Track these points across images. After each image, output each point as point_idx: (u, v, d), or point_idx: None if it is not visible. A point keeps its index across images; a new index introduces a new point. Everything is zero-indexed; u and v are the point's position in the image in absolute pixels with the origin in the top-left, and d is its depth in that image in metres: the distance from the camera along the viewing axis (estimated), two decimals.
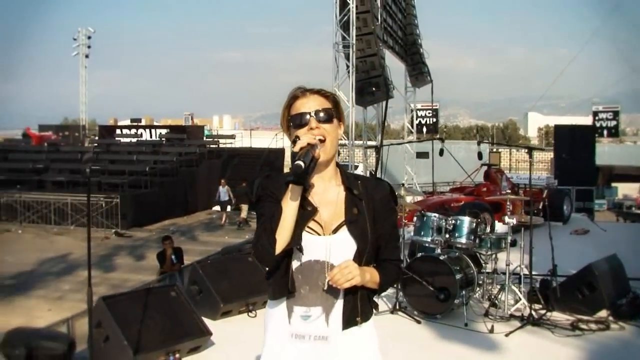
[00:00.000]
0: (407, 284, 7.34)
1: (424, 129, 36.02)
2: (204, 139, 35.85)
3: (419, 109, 32.47)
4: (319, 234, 2.63)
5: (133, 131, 36.74)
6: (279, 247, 2.54)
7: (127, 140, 35.14)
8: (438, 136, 28.81)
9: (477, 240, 7.67)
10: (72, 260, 19.08)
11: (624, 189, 36.07)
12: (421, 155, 26.06)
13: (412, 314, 7.29)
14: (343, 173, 2.77)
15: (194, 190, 29.45)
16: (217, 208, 29.09)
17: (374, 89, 17.98)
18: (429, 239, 7.74)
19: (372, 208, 2.69)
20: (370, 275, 2.63)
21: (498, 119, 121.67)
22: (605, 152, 36.75)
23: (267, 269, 2.72)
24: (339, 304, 2.64)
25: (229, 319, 7.30)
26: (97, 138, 38.28)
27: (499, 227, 9.37)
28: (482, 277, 7.82)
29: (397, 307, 7.39)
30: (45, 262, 18.61)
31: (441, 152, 14.09)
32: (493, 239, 7.66)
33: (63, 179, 28.10)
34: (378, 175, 22.40)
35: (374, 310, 2.80)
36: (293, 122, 2.67)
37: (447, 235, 7.63)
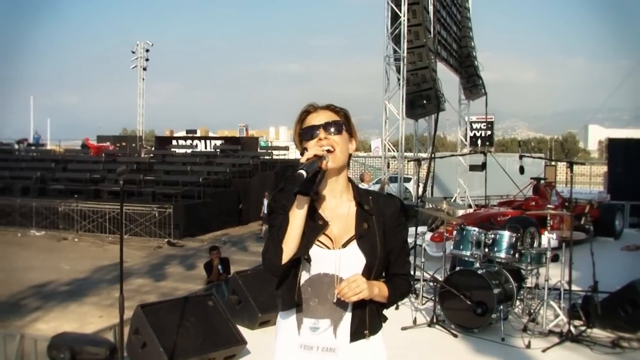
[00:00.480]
0: (444, 297, 7.36)
1: (479, 142, 35.62)
2: (258, 150, 36.18)
3: (474, 122, 32.17)
4: (329, 248, 2.67)
5: (188, 142, 37.33)
6: (286, 256, 2.60)
7: (182, 151, 35.69)
8: (480, 149, 28.64)
9: (517, 255, 7.62)
10: (125, 268, 19.38)
11: None
12: (474, 168, 25.86)
13: (449, 327, 7.30)
14: (355, 188, 2.82)
15: (247, 201, 29.67)
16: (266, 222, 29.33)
17: (424, 101, 18.04)
18: (468, 253, 7.75)
19: (382, 223, 2.74)
20: (378, 290, 2.69)
21: (557, 131, 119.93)
22: None
23: (277, 279, 2.76)
24: (347, 317, 2.68)
25: (267, 328, 7.40)
26: (152, 149, 38.94)
27: (547, 242, 9.32)
28: (522, 292, 7.79)
29: (435, 320, 7.42)
30: (98, 270, 18.99)
31: (484, 166, 14.04)
32: (533, 254, 7.62)
33: (118, 189, 28.54)
34: (428, 187, 22.42)
35: (383, 324, 2.83)
36: (304, 135, 2.74)
37: (487, 250, 7.61)
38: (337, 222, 2.71)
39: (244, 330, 7.35)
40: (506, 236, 7.57)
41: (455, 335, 7.14)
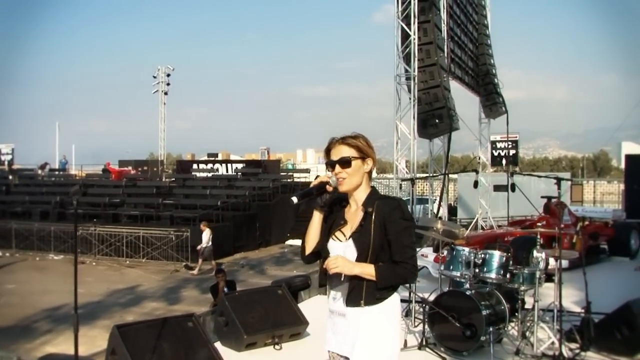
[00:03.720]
0: (434, 319, 7.28)
1: (503, 161, 35.08)
2: (280, 173, 36.26)
3: (498, 141, 31.97)
4: (341, 241, 3.68)
5: (209, 166, 37.54)
6: (307, 249, 3.79)
7: (204, 175, 35.91)
8: (505, 169, 28.46)
9: (509, 275, 7.52)
10: (140, 292, 19.59)
11: None
12: (499, 188, 25.56)
13: (439, 350, 7.21)
14: (369, 196, 3.73)
15: (267, 224, 29.75)
16: (291, 242, 29.39)
17: (437, 120, 17.93)
18: (458, 273, 7.64)
19: (380, 220, 3.60)
20: (360, 269, 3.56)
21: (589, 149, 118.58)
22: None
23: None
24: (346, 289, 3.63)
25: (254, 351, 7.40)
26: (171, 172, 39.22)
27: (553, 262, 9.20)
28: (518, 314, 7.66)
29: (424, 342, 7.33)
30: (113, 294, 19.15)
31: (475, 184, 14.02)
32: (525, 274, 7.48)
33: (137, 213, 28.88)
34: (442, 207, 22.35)
35: (383, 299, 3.63)
36: (326, 165, 3.80)
37: (477, 270, 7.51)
38: (351, 222, 3.70)
39: (230, 352, 7.37)
40: (496, 256, 7.44)
41: (444, 359, 7.06)
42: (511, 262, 7.60)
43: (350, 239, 3.64)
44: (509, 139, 30.48)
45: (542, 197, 13.99)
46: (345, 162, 3.68)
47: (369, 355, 3.58)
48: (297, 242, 29.00)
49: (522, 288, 7.54)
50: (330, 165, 3.73)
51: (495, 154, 31.63)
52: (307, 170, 37.03)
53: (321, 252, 3.75)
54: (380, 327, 3.61)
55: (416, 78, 17.80)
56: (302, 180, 35.12)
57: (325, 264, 3.56)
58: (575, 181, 44.99)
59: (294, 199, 3.66)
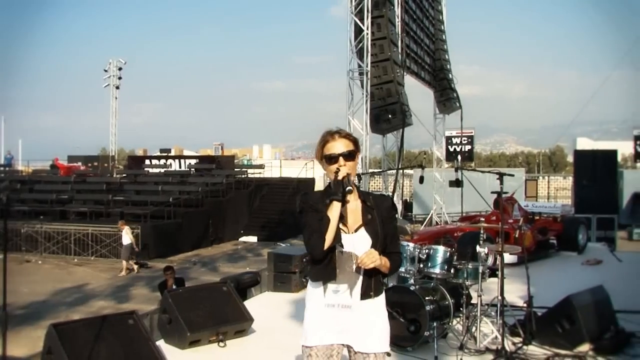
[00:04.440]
0: None
1: (459, 157, 35.29)
2: (234, 169, 36.11)
3: (453, 136, 32.26)
4: (346, 233, 3.81)
5: (162, 161, 37.27)
6: (327, 243, 3.71)
7: (156, 170, 35.65)
8: (456, 165, 28.74)
9: (453, 271, 7.64)
10: (87, 290, 19.37)
11: None
12: (453, 183, 25.84)
13: None
14: (360, 191, 3.96)
15: (220, 221, 29.63)
16: (244, 238, 29.40)
17: (390, 116, 18.07)
18: (402, 269, 7.71)
19: (380, 214, 3.88)
20: (384, 262, 3.78)
21: (546, 145, 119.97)
22: None
23: (305, 259, 4.66)
24: (359, 282, 3.78)
25: (198, 348, 7.41)
26: (123, 168, 38.86)
27: (506, 258, 9.33)
28: (463, 309, 7.75)
29: None
30: (60, 293, 18.88)
31: (421, 180, 14.13)
32: (470, 269, 7.60)
33: (86, 210, 28.57)
34: (408, 204, 22.52)
35: (384, 289, 3.97)
36: (327, 158, 3.88)
37: (421, 265, 7.62)
38: (350, 215, 3.85)
39: (173, 350, 7.37)
40: (440, 251, 7.54)
41: (389, 354, 7.13)
42: (456, 258, 7.73)
43: (361, 229, 3.83)
44: (464, 134, 30.74)
45: (492, 192, 14.19)
46: (350, 155, 3.87)
47: (381, 342, 3.85)
48: (251, 238, 29.06)
49: (467, 283, 7.65)
50: (332, 158, 3.86)
51: (451, 149, 31.91)
52: (261, 166, 36.92)
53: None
54: (385, 315, 3.91)
55: (369, 73, 17.90)
56: (257, 176, 35.08)
57: (360, 260, 3.66)
58: (531, 177, 45.60)
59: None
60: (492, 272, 8.39)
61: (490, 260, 8.37)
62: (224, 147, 51.47)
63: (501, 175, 7.82)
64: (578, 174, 22.41)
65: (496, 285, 7.51)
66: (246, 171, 35.40)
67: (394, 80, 18.03)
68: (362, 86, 18.02)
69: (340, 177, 3.78)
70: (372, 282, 3.81)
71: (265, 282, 12.09)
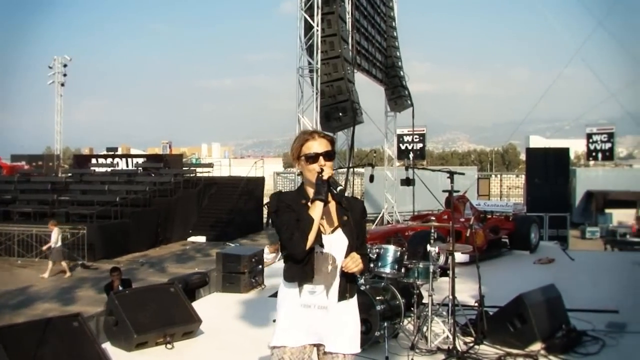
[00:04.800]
0: None
1: (410, 155, 35.17)
2: (183, 168, 35.88)
3: (405, 134, 32.43)
4: (323, 233, 3.85)
5: (109, 160, 36.89)
6: (309, 244, 3.74)
7: (102, 170, 35.25)
8: (407, 164, 28.98)
9: (404, 270, 7.67)
10: (31, 292, 19.11)
11: (619, 216, 35.38)
12: (405, 182, 25.93)
13: None
14: (332, 192, 3.92)
15: (168, 220, 29.44)
16: (193, 239, 29.25)
17: (340, 114, 18.07)
18: None
19: (353, 217, 3.96)
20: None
21: (499, 143, 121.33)
22: (600, 177, 36.46)
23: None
24: (336, 284, 3.85)
25: (144, 350, 7.35)
26: (68, 168, 38.35)
27: (457, 257, 9.40)
28: (414, 309, 7.78)
29: None
30: (2, 295, 18.58)
31: (371, 179, 14.22)
32: (420, 268, 7.64)
33: (30, 210, 28.17)
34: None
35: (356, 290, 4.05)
36: (307, 157, 3.90)
37: (371, 265, 7.64)
38: (326, 216, 3.90)
39: (120, 352, 7.30)
40: (391, 251, 7.53)
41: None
42: (407, 257, 7.77)
43: (338, 230, 3.90)
44: (416, 132, 30.89)
45: (444, 191, 14.33)
46: (329, 155, 3.93)
47: (351, 343, 3.97)
48: (199, 238, 28.91)
49: (418, 282, 7.68)
50: (312, 157, 3.89)
51: (402, 147, 32.10)
52: (210, 165, 36.72)
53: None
54: (357, 317, 4.05)
55: (319, 70, 17.91)
56: (206, 175, 34.91)
57: (345, 265, 3.77)
58: (483, 175, 46.11)
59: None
60: (444, 272, 8.47)
61: (441, 260, 8.44)
62: (172, 146, 51.25)
63: (452, 174, 7.90)
64: (530, 173, 22.79)
65: (447, 284, 7.57)
66: (195, 170, 35.16)
67: (345, 78, 18.03)
68: (312, 84, 18.02)
69: (325, 177, 3.81)
70: (347, 284, 3.89)
71: (213, 283, 12.05)
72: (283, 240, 3.85)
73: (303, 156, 3.93)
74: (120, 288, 13.60)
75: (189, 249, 27.46)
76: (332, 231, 3.90)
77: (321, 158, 3.88)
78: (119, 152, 43.03)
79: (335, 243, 3.86)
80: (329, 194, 3.87)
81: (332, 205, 3.95)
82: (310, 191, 3.89)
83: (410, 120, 28.27)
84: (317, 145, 3.91)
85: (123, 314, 7.35)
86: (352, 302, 4.00)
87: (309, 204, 3.83)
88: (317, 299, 3.84)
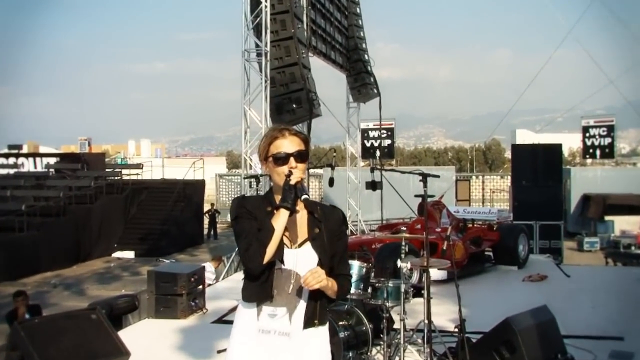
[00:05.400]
0: None
1: (377, 153, 34.64)
2: (105, 169, 35.56)
3: (370, 129, 32.48)
4: (288, 247, 3.84)
5: (11, 160, 36.37)
6: (267, 257, 3.70)
7: (4, 171, 34.77)
8: (374, 164, 29.06)
9: (371, 290, 7.69)
10: None
11: (622, 224, 35.01)
12: (371, 185, 25.66)
13: None
14: (307, 200, 3.87)
15: (88, 233, 29.06)
16: (118, 254, 29.04)
17: (294, 105, 18.05)
18: None
19: (328, 229, 3.91)
20: (331, 284, 3.83)
21: (480, 138, 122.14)
22: (598, 178, 36.53)
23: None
24: (301, 306, 3.83)
25: None
26: None
27: (433, 274, 9.44)
28: (384, 335, 7.79)
29: None
30: None
31: (331, 182, 14.15)
32: (390, 287, 7.65)
33: None
34: None
35: (329, 317, 4.12)
36: (276, 158, 3.87)
37: None
38: (293, 226, 3.87)
39: None
40: (355, 267, 7.56)
41: None
42: (374, 274, 7.80)
43: (306, 245, 3.87)
44: (383, 126, 30.83)
45: (416, 195, 14.35)
46: (301, 156, 3.89)
47: None
48: (127, 254, 28.69)
49: (388, 304, 7.71)
50: (281, 158, 3.85)
51: (368, 144, 32.12)
52: (139, 166, 36.45)
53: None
54: (328, 349, 4.00)
55: (269, 54, 17.87)
56: (134, 177, 34.65)
57: (304, 279, 3.66)
58: (462, 176, 46.41)
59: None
60: (417, 291, 8.52)
61: (414, 277, 8.52)
62: (91, 143, 50.80)
63: (425, 176, 7.94)
64: (517, 173, 22.88)
65: (422, 306, 7.61)
66: (120, 172, 34.83)
67: (299, 63, 17.99)
68: (261, 70, 17.94)
69: (293, 182, 3.77)
70: (316, 307, 3.86)
71: (144, 307, 11.98)
72: (240, 252, 3.83)
73: (271, 157, 3.90)
74: (27, 316, 13.39)
75: (114, 266, 27.21)
76: (300, 245, 3.87)
77: (292, 159, 3.84)
78: (25, 150, 42.42)
79: (302, 259, 3.83)
80: (302, 202, 3.84)
81: (302, 215, 3.93)
82: (279, 198, 3.83)
83: (377, 112, 28.25)
84: (288, 144, 3.88)
85: (30, 347, 7.21)
86: (322, 331, 3.94)
87: (275, 211, 3.80)
88: (278, 323, 3.81)
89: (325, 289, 3.78)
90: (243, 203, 3.90)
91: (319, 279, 3.65)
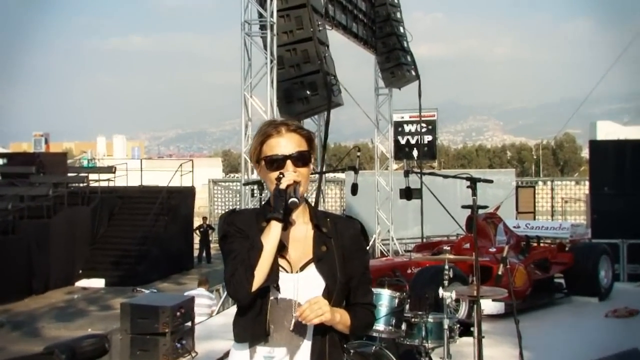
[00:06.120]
0: None
1: (414, 153, 34.28)
2: (67, 174, 35.61)
3: (406, 122, 32.40)
4: (287, 272, 3.76)
5: None
6: (257, 283, 3.61)
7: None
8: (409, 166, 29.00)
9: (405, 326, 7.72)
10: None
11: None
12: (406, 194, 25.11)
13: None
14: (311, 210, 3.96)
15: (45, 256, 29.04)
16: (84, 283, 29.13)
17: (308, 92, 17.99)
18: None
19: (341, 246, 3.85)
20: (340, 316, 3.73)
21: (548, 133, 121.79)
22: None
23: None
24: (306, 346, 3.74)
25: None
26: None
27: (486, 306, 9.48)
28: None
29: None
30: None
31: (354, 189, 14.02)
32: (430, 323, 7.69)
33: None
34: None
35: (345, 356, 4.06)
36: (268, 163, 3.84)
37: None
38: (294, 245, 3.83)
39: None
40: (384, 298, 7.61)
41: None
42: (409, 307, 7.84)
43: (310, 267, 3.79)
44: (422, 118, 30.65)
45: (464, 206, 14.33)
46: (302, 158, 3.85)
47: None
48: (94, 282, 28.83)
49: (427, 345, 7.75)
50: (275, 161, 3.81)
51: (402, 141, 32.05)
52: (111, 169, 36.51)
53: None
54: None
55: (275, 27, 17.85)
56: (104, 184, 34.73)
57: (300, 312, 3.57)
58: (526, 182, 46.28)
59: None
60: (465, 329, 8.56)
61: (461, 311, 8.54)
62: (49, 140, 50.97)
63: (475, 181, 7.95)
64: (597, 178, 22.59)
65: (471, 348, 7.66)
66: (86, 177, 34.99)
67: (314, 38, 17.88)
68: (265, 47, 17.87)
69: (283, 186, 3.71)
70: (325, 346, 3.75)
71: (117, 351, 12.06)
72: (225, 278, 3.76)
73: (263, 159, 3.86)
74: None
75: (78, 299, 27.35)
76: (302, 268, 3.78)
77: (289, 163, 3.79)
78: None
79: (305, 286, 3.73)
80: (303, 214, 3.87)
81: (307, 230, 3.87)
82: None
83: (414, 100, 28.10)
84: (285, 144, 3.82)
85: None
86: None
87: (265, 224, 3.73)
88: None
89: (332, 324, 3.70)
90: (232, 219, 3.87)
91: (319, 312, 3.56)
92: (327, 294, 3.70)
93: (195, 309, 12.71)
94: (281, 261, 3.74)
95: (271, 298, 3.72)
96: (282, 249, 3.73)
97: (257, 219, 3.82)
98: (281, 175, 3.73)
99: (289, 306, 3.72)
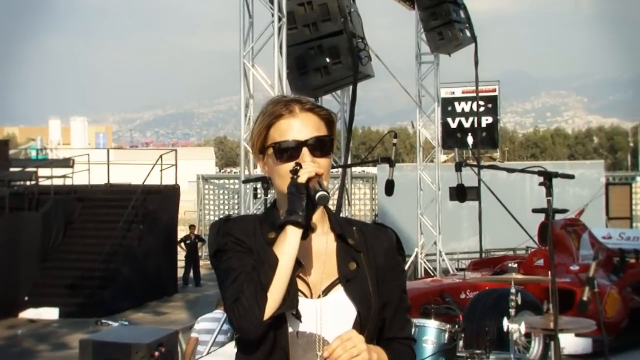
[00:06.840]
0: None
1: (469, 140, 33.98)
2: (9, 169, 35.73)
3: (457, 99, 32.38)
4: (305, 296, 3.67)
5: None
6: (271, 308, 3.46)
7: None
8: (463, 157, 28.99)
9: None
10: None
11: None
12: (457, 193, 24.62)
13: None
14: (332, 216, 3.90)
15: None
16: (31, 313, 29.16)
17: (328, 59, 17.96)
18: None
19: (373, 263, 3.78)
20: (377, 356, 3.60)
21: None
22: None
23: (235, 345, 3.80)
24: None
25: None
26: None
27: (567, 343, 9.48)
28: None
29: None
30: None
31: (390, 187, 13.95)
32: None
33: None
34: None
35: None
36: (277, 152, 3.75)
37: None
38: (312, 261, 3.74)
39: None
40: (431, 330, 7.63)
41: None
42: (463, 342, 7.85)
43: (337, 291, 3.69)
44: (480, 94, 30.45)
45: (535, 210, 14.22)
46: (321, 145, 3.77)
47: None
48: (46, 312, 28.91)
49: None
50: (287, 150, 3.73)
51: (453, 124, 32.04)
52: (68, 162, 36.57)
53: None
54: None
55: None
56: (60, 181, 34.82)
57: (329, 352, 3.41)
58: (619, 177, 46.23)
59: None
60: None
61: (534, 349, 8.54)
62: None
63: (549, 177, 7.92)
64: None
65: None
66: (35, 172, 35.07)
67: None
68: (272, 0, 17.92)
69: (303, 179, 3.58)
70: None
71: None
72: (225, 305, 3.63)
73: (271, 147, 3.77)
74: None
75: (23, 334, 27.43)
76: (325, 292, 3.69)
77: (305, 151, 3.69)
78: None
79: (330, 314, 3.64)
80: (322, 223, 3.79)
81: (328, 242, 3.78)
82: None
83: (468, 70, 28.00)
84: (299, 127, 3.72)
85: None
86: None
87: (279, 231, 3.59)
88: None
89: None
90: (228, 228, 3.75)
91: (354, 352, 3.40)
92: (360, 326, 3.59)
93: (219, 337, 12.74)
94: (300, 282, 3.64)
95: (290, 330, 3.60)
96: (299, 266, 3.59)
97: (261, 228, 3.73)
98: (297, 167, 3.59)
99: (311, 342, 3.61)
